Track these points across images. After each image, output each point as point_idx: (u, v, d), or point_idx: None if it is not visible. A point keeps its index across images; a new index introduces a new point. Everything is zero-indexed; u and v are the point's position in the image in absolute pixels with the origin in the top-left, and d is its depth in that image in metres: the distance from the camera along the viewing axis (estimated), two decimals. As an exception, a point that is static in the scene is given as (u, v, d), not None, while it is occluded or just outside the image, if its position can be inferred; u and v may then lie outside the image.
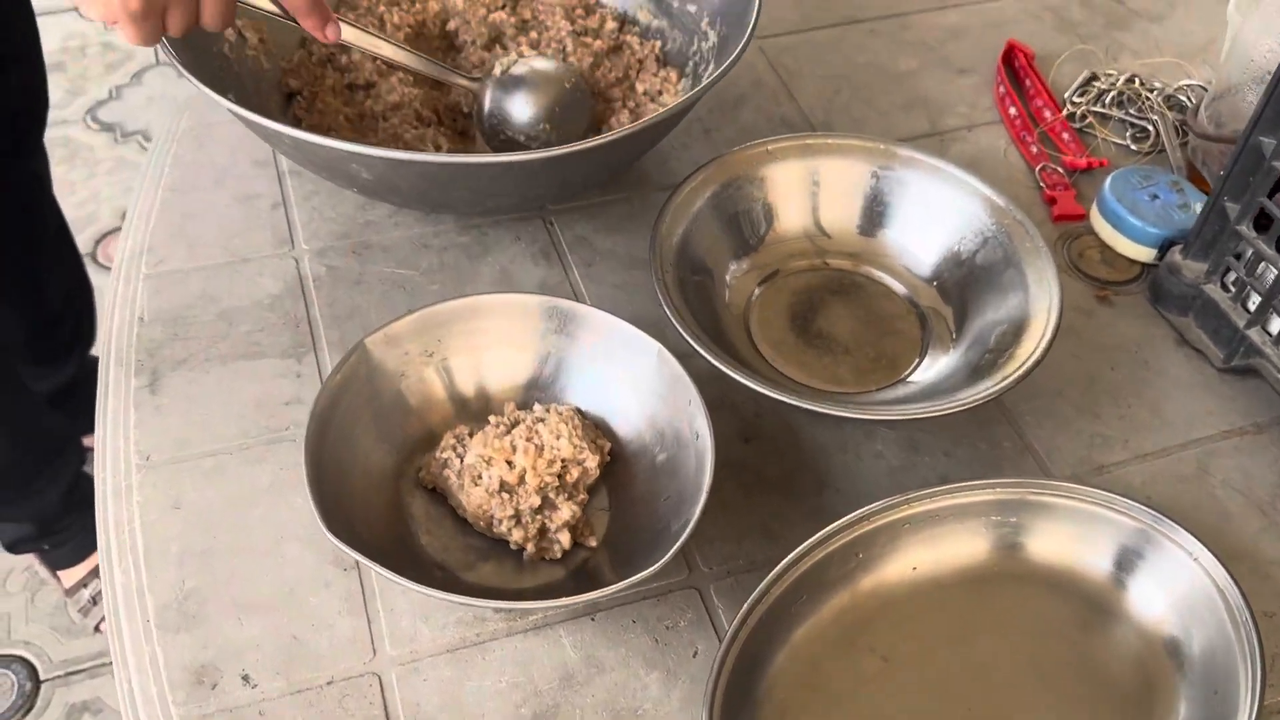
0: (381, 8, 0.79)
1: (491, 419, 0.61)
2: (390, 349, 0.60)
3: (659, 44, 0.82)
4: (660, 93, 0.80)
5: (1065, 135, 0.84)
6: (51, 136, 1.10)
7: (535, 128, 0.72)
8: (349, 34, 0.67)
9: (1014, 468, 0.65)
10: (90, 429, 1.30)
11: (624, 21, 0.84)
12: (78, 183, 1.71)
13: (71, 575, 1.18)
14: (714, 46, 0.78)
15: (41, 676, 1.17)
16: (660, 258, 0.66)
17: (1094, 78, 0.89)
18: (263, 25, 0.77)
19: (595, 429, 0.62)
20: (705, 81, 0.74)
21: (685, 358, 0.59)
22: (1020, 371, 0.61)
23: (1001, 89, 0.87)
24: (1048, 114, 0.85)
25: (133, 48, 1.97)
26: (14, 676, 1.17)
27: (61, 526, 1.13)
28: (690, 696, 0.54)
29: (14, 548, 1.15)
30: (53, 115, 1.09)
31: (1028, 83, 0.88)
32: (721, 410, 0.63)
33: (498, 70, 0.73)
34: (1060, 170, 0.81)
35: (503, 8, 0.82)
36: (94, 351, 1.27)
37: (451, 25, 0.81)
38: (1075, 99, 0.87)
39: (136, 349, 0.66)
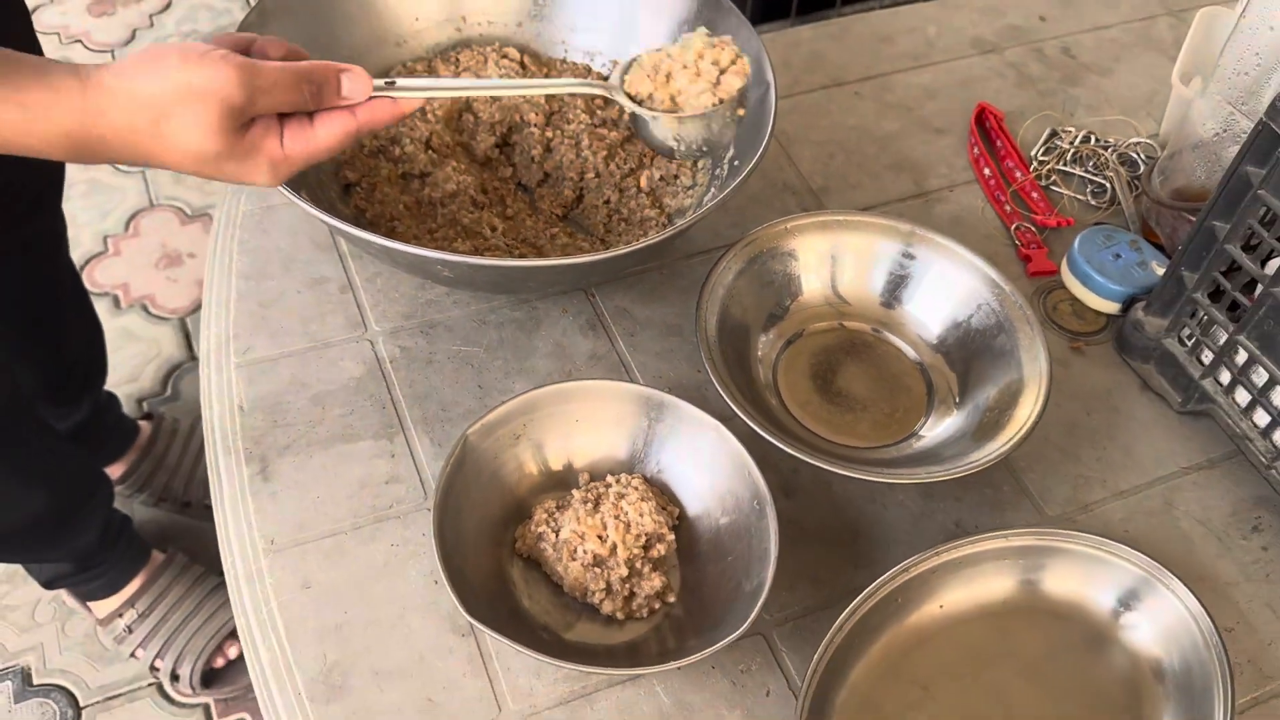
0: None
1: (574, 492, 0.70)
2: (486, 436, 0.69)
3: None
4: (677, 176, 0.88)
5: (1035, 194, 0.95)
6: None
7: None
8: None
9: (1013, 508, 0.76)
10: (108, 461, 1.36)
11: None
12: (53, 207, 1.72)
13: (104, 606, 1.23)
14: (730, 128, 0.87)
15: (81, 704, 1.23)
16: (706, 337, 0.76)
17: (1055, 135, 1.00)
18: (318, 119, 0.84)
19: (663, 495, 0.71)
20: (727, 172, 0.83)
21: (727, 420, 0.69)
22: (1021, 434, 0.72)
23: (975, 150, 0.98)
24: (1018, 174, 0.96)
25: (104, 50, 1.98)
26: (55, 705, 1.23)
27: (98, 562, 1.19)
28: (767, 729, 0.65)
29: (51, 584, 1.20)
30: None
31: (999, 143, 0.99)
32: (764, 468, 0.73)
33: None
34: (1033, 228, 0.92)
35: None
36: (107, 387, 1.31)
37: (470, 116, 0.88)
38: (1041, 157, 0.98)
39: (242, 438, 0.73)
